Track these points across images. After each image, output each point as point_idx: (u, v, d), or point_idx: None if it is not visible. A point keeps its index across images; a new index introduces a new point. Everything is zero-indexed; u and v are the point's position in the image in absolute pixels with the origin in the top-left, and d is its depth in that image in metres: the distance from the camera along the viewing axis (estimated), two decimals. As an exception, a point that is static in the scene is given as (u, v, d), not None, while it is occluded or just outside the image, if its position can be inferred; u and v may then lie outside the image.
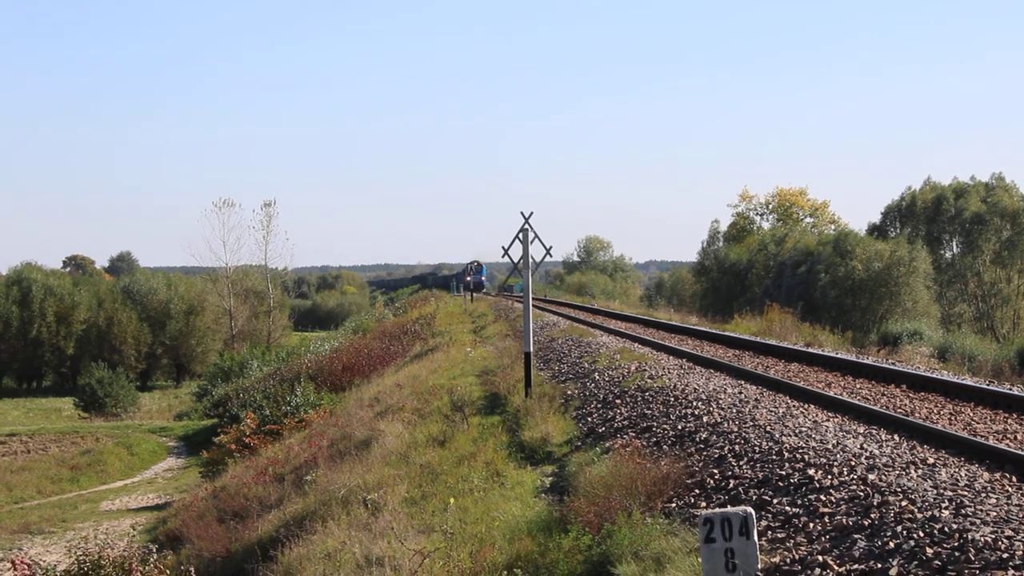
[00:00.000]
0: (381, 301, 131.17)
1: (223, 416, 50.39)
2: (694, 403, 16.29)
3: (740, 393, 17.16)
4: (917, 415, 14.54)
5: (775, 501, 10.45)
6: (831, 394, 16.40)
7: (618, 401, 18.46)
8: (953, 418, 14.35)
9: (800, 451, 11.81)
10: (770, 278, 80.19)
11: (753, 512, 8.39)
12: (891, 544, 8.40)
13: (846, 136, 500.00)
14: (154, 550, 18.69)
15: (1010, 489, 9.85)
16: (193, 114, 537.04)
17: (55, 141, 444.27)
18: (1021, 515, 8.71)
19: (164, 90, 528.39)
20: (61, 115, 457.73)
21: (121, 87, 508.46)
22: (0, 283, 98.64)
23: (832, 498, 9.98)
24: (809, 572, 8.37)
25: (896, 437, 12.69)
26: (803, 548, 9.02)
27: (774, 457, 11.84)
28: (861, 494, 9.83)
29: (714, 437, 13.68)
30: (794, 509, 10.04)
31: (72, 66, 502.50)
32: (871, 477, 10.28)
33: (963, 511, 8.87)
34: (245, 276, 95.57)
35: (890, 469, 10.67)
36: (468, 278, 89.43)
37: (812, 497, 10.17)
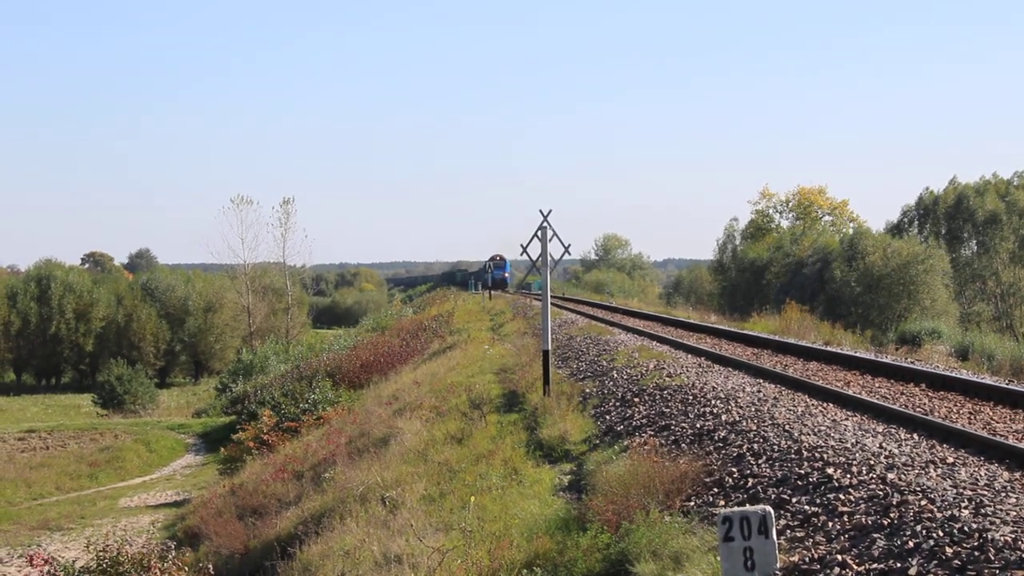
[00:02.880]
0: (399, 298, 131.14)
1: (241, 413, 50.49)
2: (713, 401, 16.28)
3: (759, 392, 17.13)
4: (936, 414, 14.49)
5: (794, 500, 10.43)
6: (850, 393, 16.37)
7: (636, 399, 18.46)
8: (972, 417, 14.30)
9: (819, 450, 11.79)
10: (787, 276, 79.99)
11: (772, 511, 8.40)
12: (910, 543, 8.38)
13: (869, 134, 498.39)
14: (173, 547, 18.75)
15: (1030, 489, 9.81)
16: (211, 112, 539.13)
17: (74, 138, 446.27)
18: (1041, 515, 8.68)
19: (182, 87, 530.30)
20: (80, 112, 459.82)
21: (139, 84, 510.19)
22: (20, 280, 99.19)
23: (851, 497, 9.96)
24: (828, 571, 8.35)
25: (915, 436, 12.66)
26: (822, 547, 9.00)
27: (793, 456, 11.83)
28: (880, 493, 9.81)
29: (733, 436, 13.67)
30: (813, 508, 10.02)
31: (90, 64, 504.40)
32: (890, 476, 10.26)
33: (983, 510, 8.84)
34: (263, 273, 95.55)
35: (909, 468, 10.65)
36: (488, 274, 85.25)
37: (831, 496, 10.16)
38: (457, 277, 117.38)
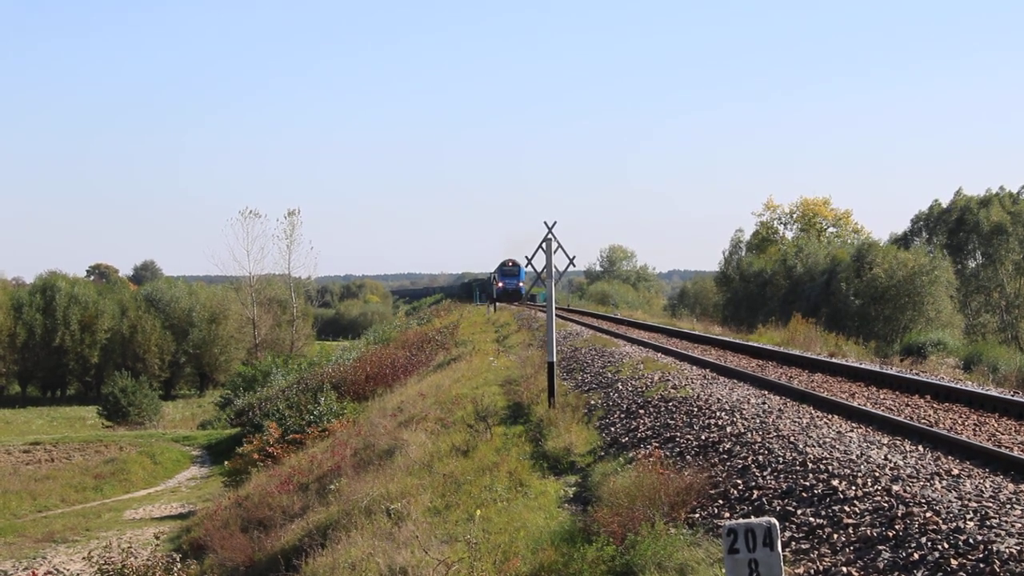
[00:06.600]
0: (403, 310, 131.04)
1: (246, 425, 50.46)
2: (718, 413, 16.27)
3: (764, 403, 17.12)
4: (941, 426, 14.48)
5: (799, 512, 10.43)
6: (855, 404, 16.34)
7: (641, 411, 18.46)
8: (978, 429, 14.28)
9: (824, 462, 11.79)
10: (791, 287, 79.90)
11: (777, 523, 8.39)
12: (916, 555, 8.39)
13: (873, 146, 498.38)
14: (178, 559, 18.77)
15: (1036, 501, 9.80)
16: (216, 123, 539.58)
17: (79, 150, 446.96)
18: (1047, 527, 8.67)
19: (187, 99, 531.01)
20: (86, 124, 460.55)
21: (144, 96, 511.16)
22: (25, 291, 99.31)
23: (856, 509, 9.96)
24: (833, 583, 8.36)
25: (920, 448, 12.65)
26: (827, 559, 9.01)
27: (798, 468, 11.83)
28: (885, 505, 9.81)
29: (738, 447, 13.67)
30: (818, 520, 10.03)
31: (97, 75, 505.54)
32: (895, 488, 10.26)
33: (988, 522, 8.84)
34: (268, 285, 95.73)
35: (914, 480, 10.64)
36: (500, 284, 75.31)
37: (836, 508, 10.16)
38: (473, 288, 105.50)
